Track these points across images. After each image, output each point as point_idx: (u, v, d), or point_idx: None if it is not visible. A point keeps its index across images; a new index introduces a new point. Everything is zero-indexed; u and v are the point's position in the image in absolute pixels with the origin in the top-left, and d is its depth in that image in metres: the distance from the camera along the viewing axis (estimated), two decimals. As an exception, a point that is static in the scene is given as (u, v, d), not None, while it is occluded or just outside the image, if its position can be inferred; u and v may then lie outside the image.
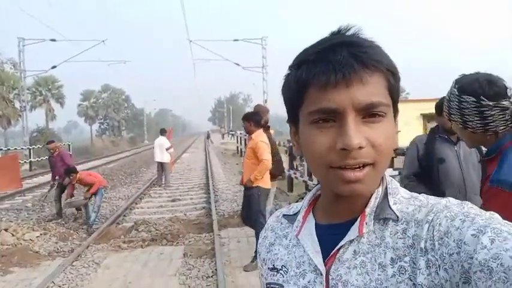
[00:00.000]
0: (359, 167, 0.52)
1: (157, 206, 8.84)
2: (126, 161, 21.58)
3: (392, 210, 0.56)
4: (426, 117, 18.49)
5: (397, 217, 0.55)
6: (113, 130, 56.78)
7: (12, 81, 32.98)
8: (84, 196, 6.94)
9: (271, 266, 0.66)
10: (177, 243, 5.61)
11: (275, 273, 0.65)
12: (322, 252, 0.59)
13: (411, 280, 0.50)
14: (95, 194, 6.92)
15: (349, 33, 0.56)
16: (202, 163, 18.45)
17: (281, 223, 0.70)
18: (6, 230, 5.52)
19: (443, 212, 0.51)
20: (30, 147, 19.26)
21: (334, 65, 0.51)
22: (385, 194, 0.58)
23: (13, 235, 5.48)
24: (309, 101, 0.54)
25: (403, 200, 0.58)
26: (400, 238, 0.54)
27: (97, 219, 7.07)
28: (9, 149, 18.17)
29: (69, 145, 23.64)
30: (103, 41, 22.18)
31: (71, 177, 6.74)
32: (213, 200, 8.37)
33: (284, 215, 0.70)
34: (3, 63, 28.60)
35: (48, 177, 14.51)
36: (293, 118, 0.60)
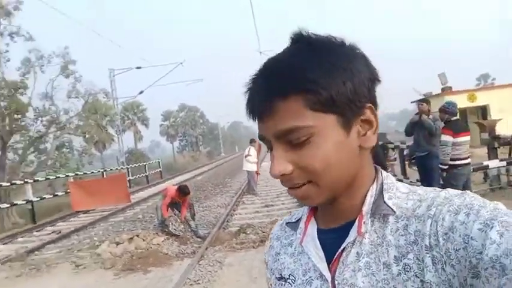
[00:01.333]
0: (298, 186, 0.54)
1: (253, 211, 9.32)
2: (210, 174, 22.79)
3: (388, 205, 0.55)
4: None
5: (394, 212, 0.55)
6: (191, 146, 60.12)
7: (104, 109, 36.93)
8: (186, 220, 7.34)
9: (278, 276, 0.66)
10: (286, 243, 5.93)
11: (283, 282, 0.65)
12: (326, 257, 0.59)
13: (418, 277, 0.50)
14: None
15: (299, 42, 0.56)
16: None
17: (285, 231, 0.70)
18: (137, 236, 6.31)
19: (445, 205, 0.50)
20: (128, 167, 21.27)
21: (250, 98, 0.54)
22: (381, 191, 0.58)
23: (144, 240, 6.26)
24: None
25: (401, 195, 0.57)
26: (402, 235, 0.53)
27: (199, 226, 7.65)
28: (111, 170, 20.25)
29: (158, 162, 25.72)
30: (181, 63, 23.92)
31: (185, 198, 7.22)
32: (307, 203, 8.61)
33: (287, 223, 0.70)
34: (97, 94, 32.02)
35: (145, 193, 16.07)
36: None
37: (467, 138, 5.02)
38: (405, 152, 8.30)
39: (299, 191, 0.54)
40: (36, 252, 7.34)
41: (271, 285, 0.69)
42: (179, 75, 27.10)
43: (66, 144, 29.00)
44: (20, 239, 9.34)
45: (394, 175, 8.46)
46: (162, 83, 25.15)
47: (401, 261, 0.51)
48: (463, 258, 0.45)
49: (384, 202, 0.56)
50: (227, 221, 8.31)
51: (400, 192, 0.57)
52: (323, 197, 0.55)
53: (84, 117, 32.68)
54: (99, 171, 18.66)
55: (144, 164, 23.65)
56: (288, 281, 0.64)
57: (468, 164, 5.06)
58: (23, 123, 18.38)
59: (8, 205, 12.17)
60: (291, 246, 0.67)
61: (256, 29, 17.78)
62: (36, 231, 10.09)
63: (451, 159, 4.91)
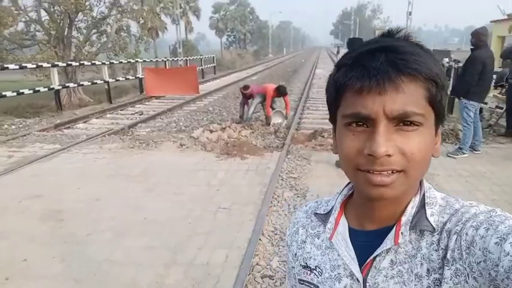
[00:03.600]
0: (387, 173, 0.53)
1: (320, 118, 9.77)
2: (265, 75, 22.98)
3: (430, 222, 0.57)
4: None
5: (434, 229, 0.56)
6: (239, 43, 59.14)
7: (158, -5, 36.22)
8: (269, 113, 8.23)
9: (303, 264, 0.69)
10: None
11: (308, 271, 0.68)
12: (356, 258, 0.61)
13: None
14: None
15: (398, 35, 0.56)
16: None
17: (311, 220, 0.72)
18: (229, 127, 7.05)
19: (470, 221, 0.52)
20: (187, 58, 21.78)
21: (370, 71, 0.51)
22: (423, 204, 0.59)
23: (234, 131, 7.00)
24: (344, 104, 0.56)
25: (439, 208, 0.59)
26: (435, 250, 0.55)
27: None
28: (173, 60, 20.85)
29: (213, 57, 26.04)
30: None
31: (283, 97, 8.05)
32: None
33: (315, 214, 0.71)
34: (153, -22, 31.10)
35: (205, 86, 16.72)
36: (332, 119, 0.62)
37: None
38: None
39: (388, 178, 0.53)
40: (132, 130, 8.38)
41: (293, 267, 0.73)
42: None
43: (125, 28, 29.54)
44: (108, 115, 10.50)
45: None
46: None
47: (431, 275, 0.54)
48: (484, 271, 0.47)
49: (426, 218, 0.57)
50: (298, 123, 8.91)
51: (438, 205, 0.59)
52: (403, 190, 0.55)
53: (139, 2, 32.49)
54: (162, 60, 19.35)
55: (200, 57, 24.05)
56: (314, 272, 0.66)
57: None
58: (87, 2, 18.68)
59: (89, 83, 13.27)
60: (318, 238, 0.68)
61: None
62: (121, 110, 11.23)
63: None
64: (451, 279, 0.51)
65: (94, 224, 3.91)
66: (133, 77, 15.42)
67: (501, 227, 0.48)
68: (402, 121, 0.52)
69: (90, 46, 19.85)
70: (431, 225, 0.56)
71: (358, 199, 0.64)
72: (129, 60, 16.36)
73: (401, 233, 0.57)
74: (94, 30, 19.81)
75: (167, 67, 17.66)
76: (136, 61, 15.96)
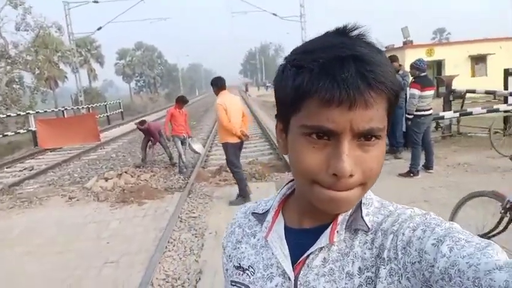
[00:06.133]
0: (347, 189, 0.51)
1: (227, 153, 9.84)
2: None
3: (365, 222, 0.57)
4: (474, 59, 18.25)
5: (369, 228, 0.56)
6: (149, 87, 58.34)
7: (55, 44, 34.41)
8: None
9: (237, 264, 0.67)
10: (266, 180, 6.55)
11: (241, 272, 0.65)
12: (290, 256, 0.59)
13: None
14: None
15: (353, 33, 0.53)
16: (249, 116, 19.32)
17: (249, 220, 0.70)
18: (126, 172, 6.63)
19: (407, 222, 0.53)
20: (89, 106, 20.67)
21: (340, 83, 0.48)
22: (359, 204, 0.58)
23: (132, 176, 6.60)
24: (305, 113, 0.51)
25: (374, 209, 0.59)
26: (369, 249, 0.55)
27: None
28: (72, 109, 19.59)
29: (119, 103, 25.12)
30: (143, 0, 22.60)
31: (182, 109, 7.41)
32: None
33: (253, 213, 0.69)
34: (48, 28, 29.67)
35: (109, 133, 15.95)
36: (282, 118, 0.58)
37: (432, 92, 5.72)
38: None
39: (349, 193, 0.52)
40: (16, 187, 7.45)
41: (226, 270, 0.70)
42: (138, 13, 25.68)
43: (17, 80, 27.21)
44: (-9, 175, 9.27)
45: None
46: (121, 19, 23.82)
47: (364, 273, 0.54)
48: (418, 271, 0.47)
49: (362, 218, 0.57)
50: (205, 161, 8.79)
51: (374, 206, 0.59)
52: (357, 201, 0.55)
53: (33, 52, 30.51)
54: (59, 109, 18.06)
55: (105, 104, 23.04)
56: (247, 272, 0.64)
57: (430, 114, 5.80)
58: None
59: (-32, 141, 11.73)
60: (254, 237, 0.67)
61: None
62: (7, 168, 10.01)
63: (416, 110, 5.61)
64: (385, 279, 0.51)
65: None
66: (25, 131, 14.04)
67: (438, 229, 0.49)
68: (364, 136, 0.51)
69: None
70: (366, 225, 0.56)
71: (301, 203, 0.61)
72: (18, 113, 14.95)
73: (337, 231, 0.57)
74: (-20, 84, 17.97)
75: (66, 116, 16.49)
76: (28, 113, 14.63)
